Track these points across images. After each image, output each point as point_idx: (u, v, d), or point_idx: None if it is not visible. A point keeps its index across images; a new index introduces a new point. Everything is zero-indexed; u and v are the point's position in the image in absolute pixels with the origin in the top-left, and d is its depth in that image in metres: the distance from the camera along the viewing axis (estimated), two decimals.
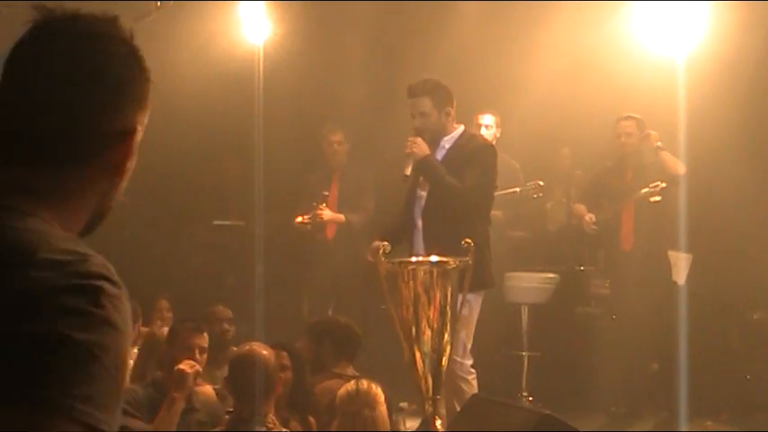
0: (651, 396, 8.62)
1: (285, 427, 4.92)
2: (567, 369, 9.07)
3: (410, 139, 6.56)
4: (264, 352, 5.05)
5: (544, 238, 10.09)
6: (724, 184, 8.75)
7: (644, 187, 8.41)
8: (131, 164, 1.88)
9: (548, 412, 4.91)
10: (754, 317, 9.03)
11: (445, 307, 4.90)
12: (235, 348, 6.50)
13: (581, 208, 9.03)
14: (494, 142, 7.94)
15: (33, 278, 1.54)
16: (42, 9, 1.74)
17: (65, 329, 1.51)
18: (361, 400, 4.68)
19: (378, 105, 9.64)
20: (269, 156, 9.03)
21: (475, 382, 6.50)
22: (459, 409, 6.03)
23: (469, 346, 6.48)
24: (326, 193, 9.22)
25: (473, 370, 6.53)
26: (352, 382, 4.84)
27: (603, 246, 9.14)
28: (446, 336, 4.91)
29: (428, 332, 4.88)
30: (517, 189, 8.86)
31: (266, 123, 8.90)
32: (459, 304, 5.09)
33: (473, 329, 6.49)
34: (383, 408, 4.72)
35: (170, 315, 8.30)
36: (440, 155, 6.64)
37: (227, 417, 5.18)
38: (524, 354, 8.80)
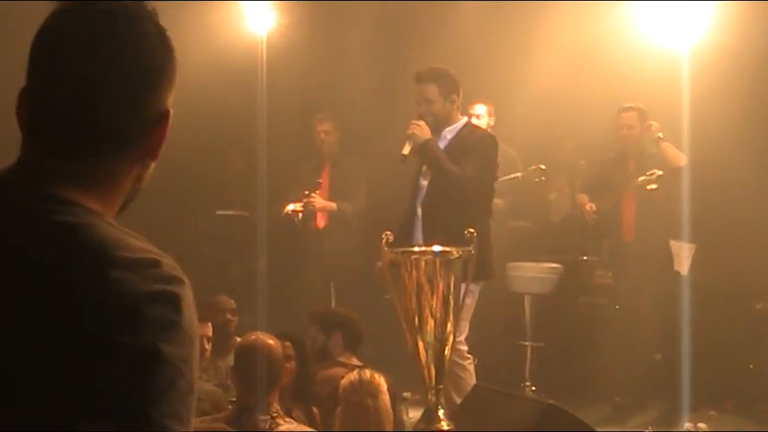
0: (655, 386, 8.63)
1: (288, 416, 4.93)
2: (570, 359, 9.08)
3: (414, 121, 6.57)
4: (270, 341, 5.07)
5: (547, 229, 10.09)
6: (727, 176, 8.76)
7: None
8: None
9: (551, 402, 4.92)
10: (757, 307, 9.03)
11: (448, 297, 4.90)
12: (239, 339, 6.53)
13: (583, 198, 9.04)
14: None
15: (114, 279, 1.52)
16: None
17: (156, 342, 1.50)
18: (364, 390, 4.69)
19: (381, 96, 9.64)
20: (272, 146, 9.04)
21: (472, 368, 6.50)
22: (456, 397, 6.06)
23: (465, 335, 6.47)
24: (320, 181, 9.22)
25: (469, 356, 6.53)
26: (355, 371, 4.85)
27: (607, 236, 9.14)
28: (449, 326, 4.91)
29: (431, 322, 4.88)
30: (519, 174, 8.87)
31: (270, 114, 8.91)
32: (462, 294, 5.09)
33: (469, 319, 6.50)
34: (386, 397, 4.73)
35: None
36: (441, 145, 6.63)
37: (229, 407, 5.19)
38: (527, 344, 8.81)
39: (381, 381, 4.79)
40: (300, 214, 9.13)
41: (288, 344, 5.49)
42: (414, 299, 4.90)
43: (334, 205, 9.20)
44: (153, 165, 1.85)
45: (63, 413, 1.48)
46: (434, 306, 4.88)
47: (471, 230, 5.16)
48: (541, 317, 9.00)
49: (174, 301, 1.56)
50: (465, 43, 9.59)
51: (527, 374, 8.65)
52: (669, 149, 8.40)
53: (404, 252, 5.11)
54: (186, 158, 10.61)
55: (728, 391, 8.59)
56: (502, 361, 8.84)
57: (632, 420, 8.35)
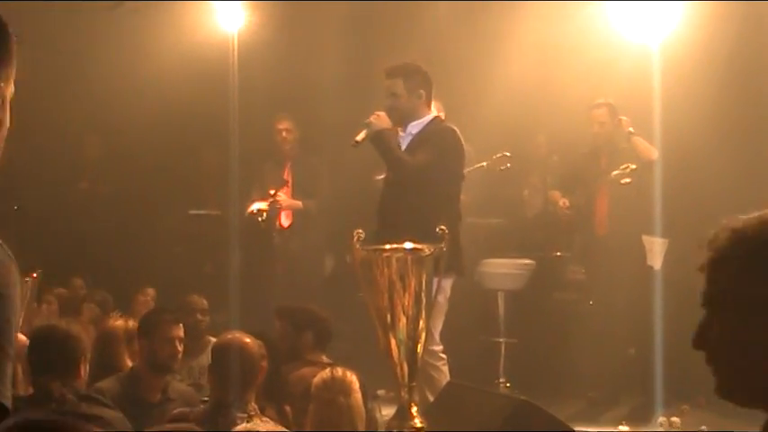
0: (629, 381, 8.65)
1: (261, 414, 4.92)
2: (544, 355, 9.09)
3: (376, 112, 6.59)
4: (247, 340, 5.10)
5: (520, 225, 10.10)
6: (700, 171, 8.79)
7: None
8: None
9: (524, 398, 4.91)
10: None
11: (420, 294, 4.88)
12: (212, 338, 6.51)
13: (556, 194, 9.07)
14: None
15: None
16: None
17: None
18: (336, 388, 4.68)
19: (352, 94, 9.62)
20: (244, 144, 9.02)
21: (446, 369, 6.51)
22: (430, 396, 6.05)
23: (438, 333, 6.47)
24: (286, 179, 9.20)
25: (443, 356, 6.54)
26: (327, 369, 4.84)
27: (579, 231, 9.15)
28: (421, 323, 4.90)
29: (403, 319, 4.86)
30: (484, 164, 8.83)
31: (242, 112, 8.90)
32: (434, 291, 5.08)
33: (442, 317, 6.50)
34: (358, 395, 4.73)
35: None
36: (406, 140, 6.67)
37: (202, 406, 5.18)
38: (501, 340, 8.82)
39: (353, 379, 4.78)
40: (264, 213, 9.10)
41: (260, 342, 5.48)
42: (385, 296, 4.87)
43: (300, 203, 9.20)
44: None
45: None
46: (406, 303, 4.86)
47: (443, 228, 5.16)
48: (515, 313, 9.02)
49: None
50: (436, 40, 9.60)
51: (501, 371, 8.67)
52: (640, 143, 8.44)
53: (375, 249, 5.10)
54: (158, 156, 10.59)
55: (701, 386, 8.60)
56: (475, 358, 8.84)
57: (606, 415, 8.37)
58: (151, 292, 8.70)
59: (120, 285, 8.92)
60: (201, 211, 10.43)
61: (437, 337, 6.45)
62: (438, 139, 6.65)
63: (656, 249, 8.58)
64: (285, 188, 9.19)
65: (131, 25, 9.62)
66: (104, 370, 5.93)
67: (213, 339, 6.27)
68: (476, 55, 9.68)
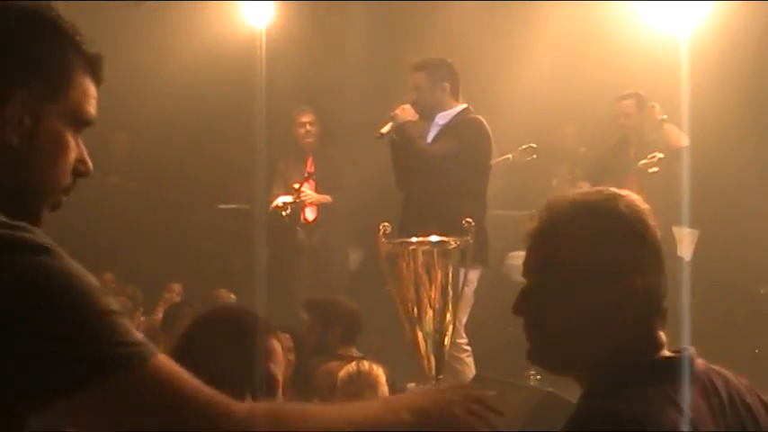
0: None
1: None
2: None
3: (401, 105, 6.61)
4: None
5: None
6: (729, 161, 8.73)
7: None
8: None
9: (550, 390, 4.90)
10: (761, 291, 9.01)
11: (446, 287, 4.89)
12: None
13: (584, 185, 9.02)
14: None
15: None
16: None
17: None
18: (362, 382, 4.69)
19: (379, 89, 9.61)
20: (272, 139, 9.03)
21: (470, 361, 6.50)
22: None
23: (462, 326, 6.47)
24: (311, 172, 9.18)
25: (468, 348, 6.53)
26: (354, 363, 4.84)
27: None
28: (448, 315, 4.91)
29: (430, 312, 4.88)
30: (509, 156, 8.79)
31: (269, 107, 8.90)
32: (460, 284, 5.09)
33: (468, 309, 6.50)
34: (384, 388, 4.73)
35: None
36: (434, 131, 6.68)
37: None
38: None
39: (380, 372, 4.78)
40: (289, 207, 9.07)
41: (287, 336, 5.49)
42: (412, 289, 4.89)
43: (329, 198, 9.16)
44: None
45: None
46: (433, 296, 4.88)
47: (469, 220, 5.16)
48: None
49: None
50: (462, 32, 9.57)
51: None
52: (672, 131, 8.39)
53: (401, 243, 5.11)
54: (186, 152, 10.63)
55: None
56: (505, 350, 8.81)
57: None
58: (177, 287, 8.72)
59: (149, 280, 8.97)
60: (231, 206, 10.45)
61: (462, 329, 6.45)
62: (464, 130, 6.66)
63: (687, 240, 8.54)
64: (310, 182, 9.16)
65: (156, 22, 9.65)
66: None
67: None
68: (504, 46, 9.65)
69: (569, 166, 10.39)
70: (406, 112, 6.62)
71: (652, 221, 2.09)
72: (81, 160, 1.86)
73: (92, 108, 1.87)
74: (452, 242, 4.99)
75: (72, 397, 1.57)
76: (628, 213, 2.04)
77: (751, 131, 8.60)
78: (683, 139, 8.31)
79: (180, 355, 2.39)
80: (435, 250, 4.92)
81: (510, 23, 9.72)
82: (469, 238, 5.04)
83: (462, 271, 5.07)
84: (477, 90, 8.69)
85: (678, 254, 8.49)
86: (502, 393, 4.99)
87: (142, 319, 6.32)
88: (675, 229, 8.51)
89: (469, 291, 6.25)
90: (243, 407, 1.71)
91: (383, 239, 5.15)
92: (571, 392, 5.36)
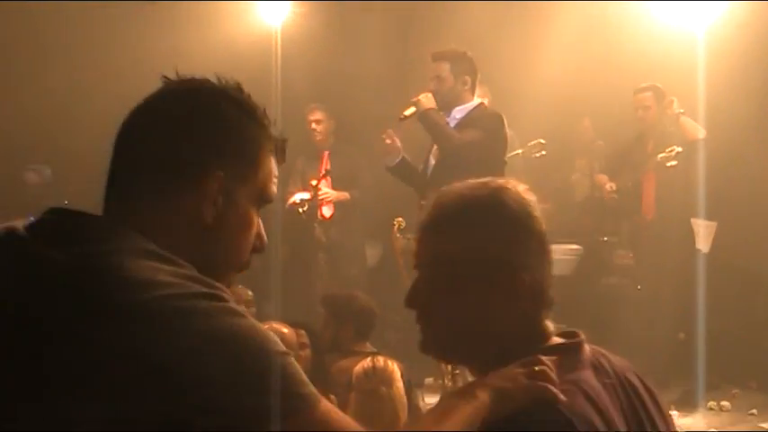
0: (678, 366, 8.58)
1: None
2: (592, 340, 9.01)
3: (424, 92, 6.60)
4: (284, 330, 5.08)
5: (567, 210, 10.04)
6: (746, 154, 8.69)
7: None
8: None
9: None
10: None
11: None
12: None
13: (602, 178, 9.01)
14: None
15: None
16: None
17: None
18: (377, 378, 4.66)
19: (395, 86, 9.61)
20: (288, 137, 9.02)
21: None
22: None
23: None
24: (328, 169, 9.17)
25: None
26: (369, 359, 4.82)
27: (627, 216, 9.09)
28: None
29: None
30: (519, 151, 8.76)
31: (285, 105, 8.91)
32: None
33: None
34: (400, 384, 4.70)
35: None
36: (450, 124, 6.63)
37: None
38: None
39: (395, 368, 4.76)
40: (306, 204, 9.07)
41: (302, 332, 5.50)
42: None
43: (347, 195, 9.17)
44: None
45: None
46: None
47: None
48: (562, 299, 8.93)
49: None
50: (479, 26, 9.55)
51: None
52: (688, 124, 8.37)
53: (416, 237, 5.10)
54: None
55: (752, 369, 8.53)
56: None
57: None
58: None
59: None
60: None
61: None
62: (483, 123, 6.63)
63: (705, 232, 8.51)
64: (327, 179, 9.17)
65: (171, 18, 9.66)
66: None
67: None
68: (521, 43, 9.64)
69: (588, 159, 10.38)
70: (429, 100, 6.60)
71: (538, 213, 2.10)
72: (259, 235, 1.97)
73: (275, 187, 1.98)
74: None
75: None
76: (514, 206, 2.06)
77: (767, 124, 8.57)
78: (700, 132, 8.29)
79: None
80: None
81: (527, 20, 9.70)
82: None
83: None
84: (495, 86, 8.70)
85: (696, 246, 8.47)
86: None
87: None
88: (694, 222, 8.49)
89: None
90: None
91: (397, 235, 5.15)
92: None
